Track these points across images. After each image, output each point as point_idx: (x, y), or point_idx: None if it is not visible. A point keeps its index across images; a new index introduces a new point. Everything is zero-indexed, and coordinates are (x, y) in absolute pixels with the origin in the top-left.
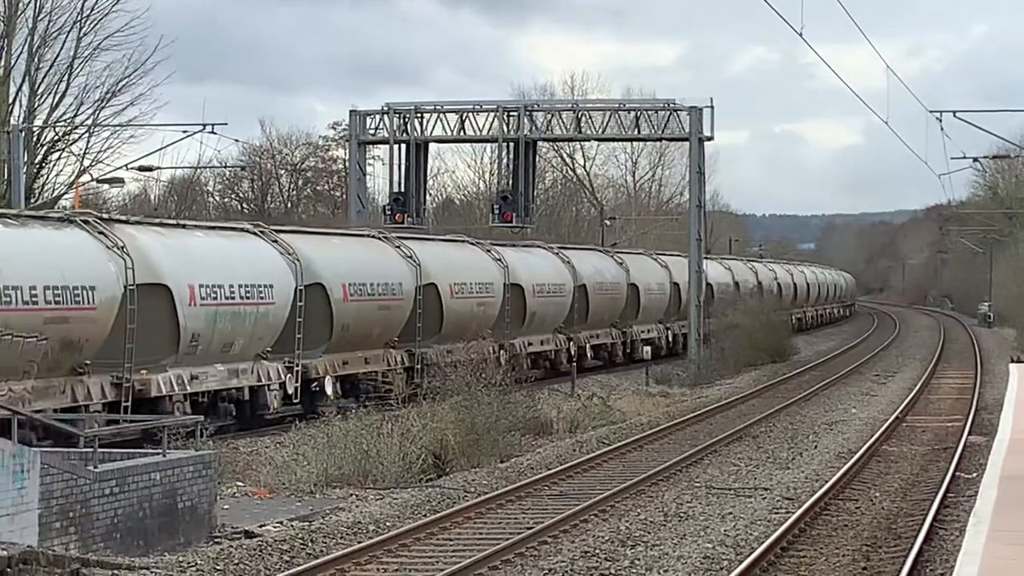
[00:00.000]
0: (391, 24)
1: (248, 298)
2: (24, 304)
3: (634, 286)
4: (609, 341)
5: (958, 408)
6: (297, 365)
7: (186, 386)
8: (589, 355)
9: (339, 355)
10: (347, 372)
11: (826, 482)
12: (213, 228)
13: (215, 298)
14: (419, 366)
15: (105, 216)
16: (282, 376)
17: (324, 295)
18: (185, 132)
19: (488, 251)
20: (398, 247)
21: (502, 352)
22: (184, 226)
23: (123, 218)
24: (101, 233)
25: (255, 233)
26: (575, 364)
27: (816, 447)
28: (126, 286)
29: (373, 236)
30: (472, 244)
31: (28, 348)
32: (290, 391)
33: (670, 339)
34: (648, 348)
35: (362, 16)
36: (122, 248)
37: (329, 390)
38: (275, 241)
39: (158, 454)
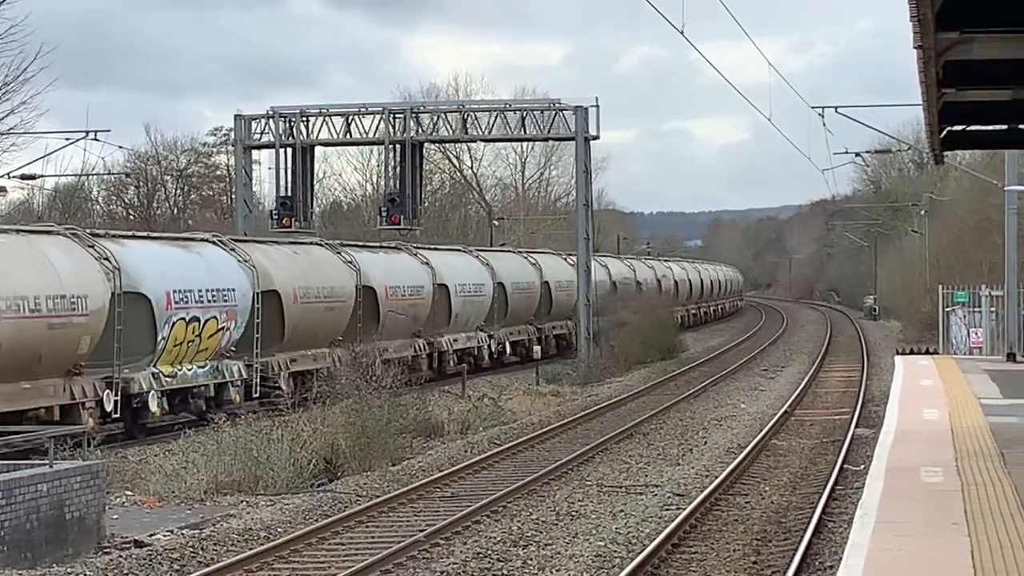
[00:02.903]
0: (280, 26)
1: (476, 292)
2: (401, 296)
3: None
4: (525, 338)
5: (845, 401)
6: (496, 333)
7: (452, 346)
8: (508, 351)
9: (508, 328)
10: (515, 339)
11: (716, 477)
12: (448, 251)
13: (465, 292)
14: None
15: (415, 244)
16: (488, 341)
17: (503, 290)
18: (68, 139)
19: (415, 255)
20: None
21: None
22: (438, 249)
23: (427, 245)
24: (414, 255)
25: (467, 252)
26: (466, 366)
27: (706, 443)
28: (433, 284)
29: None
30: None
31: (402, 321)
32: (493, 350)
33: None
34: (538, 348)
35: (251, 18)
36: (428, 262)
37: (509, 350)
38: (476, 256)
39: (45, 465)
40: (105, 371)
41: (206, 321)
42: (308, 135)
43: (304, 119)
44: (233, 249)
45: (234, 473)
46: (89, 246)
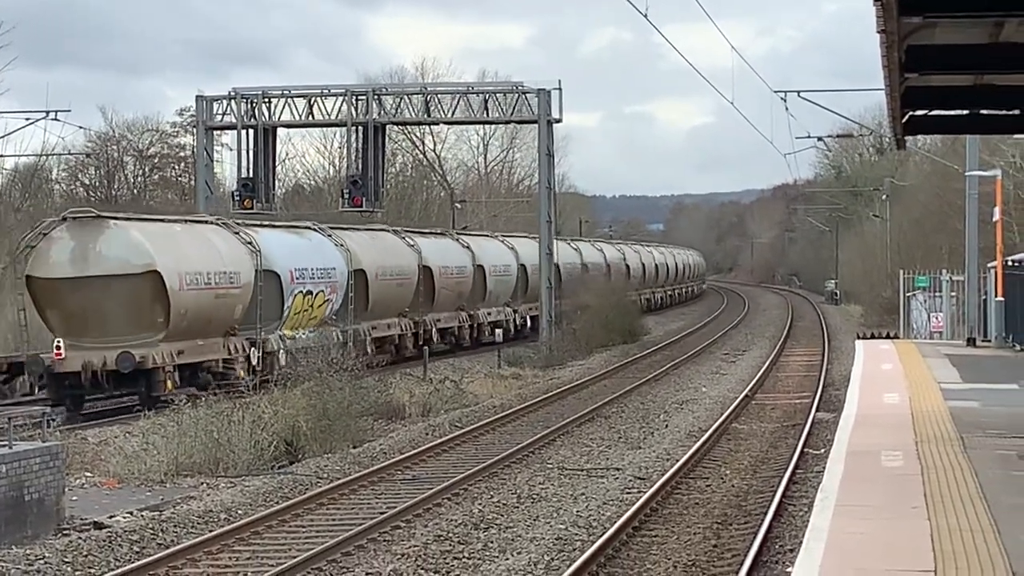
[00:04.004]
0: (245, 5)
1: (504, 272)
2: (450, 275)
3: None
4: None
5: (806, 385)
6: (519, 308)
7: (487, 318)
8: (528, 324)
9: (528, 304)
10: (533, 313)
11: (677, 461)
12: (480, 236)
13: (496, 272)
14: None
15: (458, 231)
16: (513, 315)
17: (525, 271)
18: (28, 119)
19: (457, 240)
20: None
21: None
22: (473, 235)
23: (465, 231)
24: (456, 239)
25: (494, 237)
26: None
27: (667, 426)
28: (473, 265)
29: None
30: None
31: (451, 297)
32: (517, 324)
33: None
34: (500, 331)
35: None
36: (468, 246)
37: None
38: (503, 241)
39: (4, 446)
40: (250, 333)
41: (316, 294)
42: (270, 116)
43: (266, 100)
44: (330, 235)
45: (194, 455)
46: (235, 232)
